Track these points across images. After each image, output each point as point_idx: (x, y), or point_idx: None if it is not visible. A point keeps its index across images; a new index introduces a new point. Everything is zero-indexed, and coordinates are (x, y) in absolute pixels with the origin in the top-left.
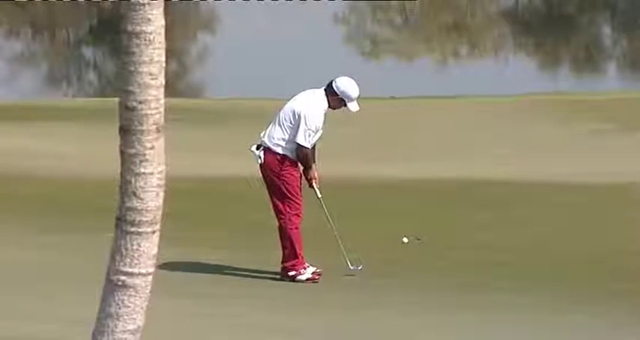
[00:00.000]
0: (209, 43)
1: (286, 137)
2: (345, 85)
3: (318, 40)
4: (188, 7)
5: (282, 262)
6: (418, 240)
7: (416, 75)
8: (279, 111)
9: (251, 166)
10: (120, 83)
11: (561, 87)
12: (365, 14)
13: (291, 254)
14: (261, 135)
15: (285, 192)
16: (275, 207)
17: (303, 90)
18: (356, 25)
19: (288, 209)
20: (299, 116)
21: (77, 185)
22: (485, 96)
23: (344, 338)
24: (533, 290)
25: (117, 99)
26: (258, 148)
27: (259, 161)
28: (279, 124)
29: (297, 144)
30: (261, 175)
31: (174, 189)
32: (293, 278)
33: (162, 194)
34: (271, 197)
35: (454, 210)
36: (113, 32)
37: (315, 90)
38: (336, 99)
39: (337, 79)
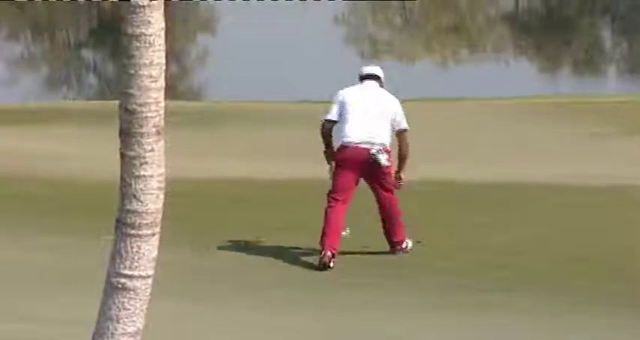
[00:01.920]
0: (209, 45)
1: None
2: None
3: (318, 40)
4: (187, 7)
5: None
6: (418, 242)
7: (416, 76)
8: (361, 111)
9: (251, 168)
10: (120, 86)
11: (562, 90)
12: (365, 15)
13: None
14: (357, 136)
15: (392, 182)
16: (383, 194)
17: (302, 92)
18: (356, 26)
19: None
20: (391, 106)
21: (78, 186)
22: (486, 98)
23: (345, 338)
24: (532, 292)
25: (117, 102)
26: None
27: (386, 164)
28: (375, 119)
29: (404, 129)
30: (355, 175)
31: (175, 191)
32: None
33: (162, 196)
34: (376, 188)
35: (453, 212)
36: (113, 35)
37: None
38: None
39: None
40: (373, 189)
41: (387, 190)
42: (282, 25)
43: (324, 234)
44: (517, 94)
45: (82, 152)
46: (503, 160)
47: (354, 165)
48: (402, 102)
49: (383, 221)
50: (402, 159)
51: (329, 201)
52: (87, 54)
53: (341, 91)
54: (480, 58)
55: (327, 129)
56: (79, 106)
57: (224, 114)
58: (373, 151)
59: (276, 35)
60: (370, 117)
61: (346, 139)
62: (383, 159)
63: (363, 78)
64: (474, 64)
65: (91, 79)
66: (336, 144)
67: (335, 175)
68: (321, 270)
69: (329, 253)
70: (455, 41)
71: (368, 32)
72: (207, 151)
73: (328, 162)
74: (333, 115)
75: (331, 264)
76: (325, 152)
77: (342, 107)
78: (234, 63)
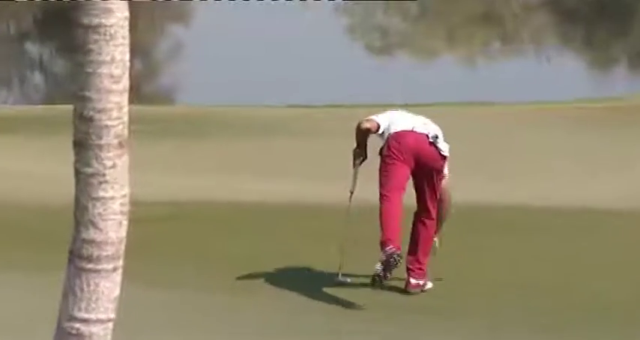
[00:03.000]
0: (182, 38)
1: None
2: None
3: (315, 32)
4: None
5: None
6: (439, 279)
7: (436, 76)
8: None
9: (235, 187)
10: (74, 87)
11: (616, 92)
12: (372, 3)
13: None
14: (415, 126)
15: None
16: (430, 201)
17: (296, 95)
18: (363, 15)
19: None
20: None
21: (21, 211)
22: (523, 102)
23: None
24: (568, 332)
25: (70, 108)
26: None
27: (446, 153)
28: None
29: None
30: (413, 164)
31: (141, 216)
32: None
33: (125, 223)
34: (424, 192)
35: (486, 241)
36: (64, 25)
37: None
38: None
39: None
40: (420, 190)
41: (434, 195)
42: (271, 16)
43: (385, 228)
44: (561, 98)
45: (26, 168)
46: (544, 179)
47: (410, 154)
48: (419, 107)
49: (413, 239)
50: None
51: (381, 198)
52: (31, 49)
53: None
54: (515, 52)
55: (369, 129)
56: (22, 112)
57: (201, 121)
58: (432, 135)
59: (265, 26)
60: (422, 125)
61: (399, 127)
62: (444, 146)
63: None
64: (507, 59)
65: (37, 78)
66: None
67: (386, 171)
68: (387, 269)
69: (392, 247)
70: (484, 32)
71: (377, 22)
72: (181, 166)
73: (356, 161)
74: (379, 120)
75: (398, 259)
76: (357, 150)
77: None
78: (213, 60)
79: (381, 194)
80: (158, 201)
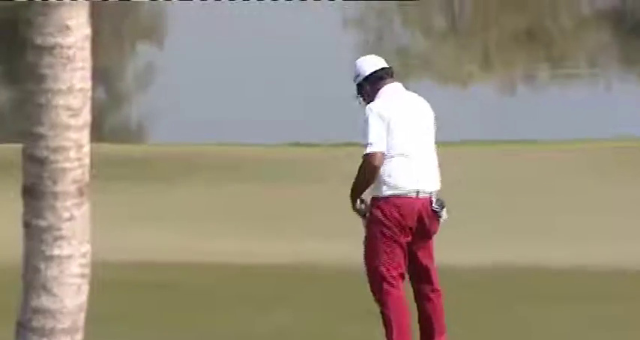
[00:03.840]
0: (154, 60)
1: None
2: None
3: (317, 51)
4: (124, 7)
5: None
6: None
7: (468, 106)
8: (410, 140)
9: (218, 245)
10: (23, 122)
11: None
12: (388, 14)
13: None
14: (414, 181)
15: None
16: (432, 270)
17: (290, 133)
18: (376, 30)
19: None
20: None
21: None
22: (574, 141)
23: None
24: None
25: (17, 147)
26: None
27: (445, 218)
28: (429, 149)
29: None
30: (414, 230)
31: (105, 280)
32: None
33: (85, 288)
34: (423, 261)
35: (525, 311)
36: (11, 46)
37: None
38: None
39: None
40: (418, 260)
41: (433, 261)
42: (265, 28)
43: (397, 332)
44: (624, 132)
45: None
46: (601, 235)
47: (411, 225)
48: (443, 147)
49: (425, 325)
50: None
51: (384, 283)
52: None
53: (378, 106)
54: (565, 78)
55: (378, 166)
56: None
57: (178, 163)
58: (435, 202)
59: (254, 46)
60: (423, 148)
61: (399, 187)
62: (444, 211)
63: (380, 78)
64: (556, 86)
65: None
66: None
67: (389, 247)
68: None
69: None
70: (527, 53)
71: (394, 40)
72: (154, 219)
73: (362, 215)
74: (383, 144)
75: None
76: (360, 206)
77: (390, 134)
78: (191, 87)
79: (382, 277)
80: (126, 261)
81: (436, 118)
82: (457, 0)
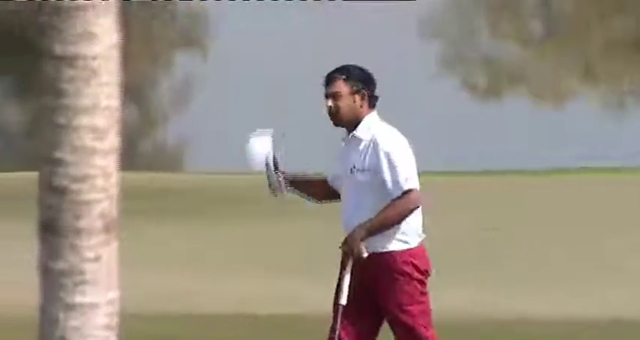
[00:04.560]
0: (193, 74)
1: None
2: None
3: (390, 66)
4: (157, 10)
5: None
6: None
7: (569, 128)
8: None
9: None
10: (39, 146)
11: None
12: (474, 20)
13: None
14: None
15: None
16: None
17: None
18: (459, 40)
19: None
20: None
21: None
22: None
23: None
24: None
25: (32, 175)
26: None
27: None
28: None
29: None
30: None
31: (136, 334)
32: None
33: None
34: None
35: None
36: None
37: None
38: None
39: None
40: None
41: None
42: (327, 34)
43: None
44: None
45: None
46: None
47: None
48: (537, 176)
49: None
50: None
51: None
52: None
53: (401, 136)
54: None
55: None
56: None
57: (216, 195)
58: None
59: (315, 53)
60: None
61: (422, 235)
62: None
63: (377, 100)
64: None
65: None
66: (405, 241)
67: (426, 303)
68: None
69: None
70: (637, 62)
71: (481, 49)
72: (194, 260)
73: (358, 257)
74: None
75: None
76: (358, 249)
77: None
78: (238, 105)
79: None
80: (162, 312)
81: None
82: (555, 1)
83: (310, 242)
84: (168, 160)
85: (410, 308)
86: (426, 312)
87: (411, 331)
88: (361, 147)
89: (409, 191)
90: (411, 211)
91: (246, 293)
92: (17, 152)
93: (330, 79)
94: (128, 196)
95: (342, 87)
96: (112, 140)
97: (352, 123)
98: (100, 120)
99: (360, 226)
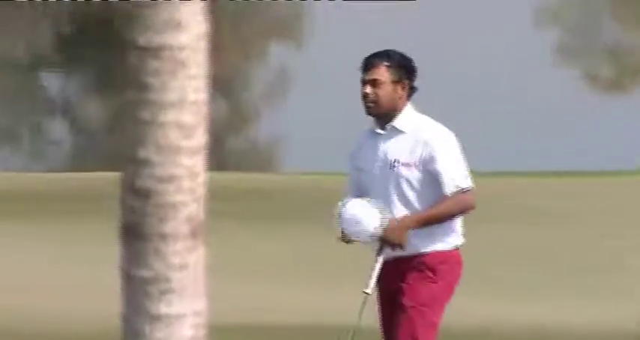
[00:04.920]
0: (288, 66)
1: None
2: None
3: (503, 56)
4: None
5: None
6: None
7: None
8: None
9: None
10: (121, 145)
11: None
12: (594, 4)
13: None
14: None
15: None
16: None
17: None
18: (577, 27)
19: None
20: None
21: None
22: None
23: None
24: None
25: (112, 175)
26: None
27: None
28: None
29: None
30: None
31: None
32: None
33: None
34: None
35: None
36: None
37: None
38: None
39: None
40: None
41: None
42: (436, 23)
43: None
44: None
45: (32, 271)
46: None
47: None
48: None
49: None
50: None
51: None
52: (49, 82)
53: (452, 133)
54: None
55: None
56: (31, 182)
57: (311, 196)
58: None
59: (418, 47)
60: None
61: (461, 235)
62: None
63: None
64: None
65: (57, 129)
66: (446, 241)
67: (448, 300)
68: None
69: None
70: None
71: (604, 37)
72: (282, 267)
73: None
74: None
75: None
76: (400, 240)
77: None
78: (336, 100)
79: (433, 324)
80: (248, 323)
81: None
82: None
83: None
84: (259, 159)
85: (426, 309)
86: (435, 326)
87: (412, 334)
88: (404, 140)
89: (466, 190)
90: (466, 211)
91: (336, 303)
92: (99, 150)
93: (370, 64)
94: (216, 198)
95: (384, 74)
96: (200, 137)
97: (388, 115)
98: (186, 116)
99: (409, 216)
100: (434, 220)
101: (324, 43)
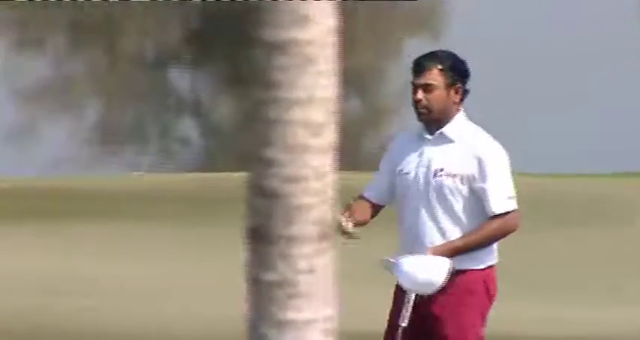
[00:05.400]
0: None
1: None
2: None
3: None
4: None
5: None
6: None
7: None
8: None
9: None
10: (248, 144)
11: None
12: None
13: None
14: None
15: None
16: None
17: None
18: None
19: None
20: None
21: None
22: None
23: None
24: None
25: (239, 176)
26: None
27: None
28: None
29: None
30: None
31: None
32: None
33: None
34: None
35: None
36: (232, 44)
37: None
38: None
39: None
40: None
41: None
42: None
43: None
44: None
45: (160, 275)
46: None
47: None
48: None
49: None
50: None
51: None
52: (176, 79)
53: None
54: None
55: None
56: (159, 182)
57: None
58: None
59: (547, 35)
60: None
61: (497, 256)
62: None
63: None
64: None
65: (186, 128)
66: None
67: (483, 330)
68: None
69: None
70: None
71: None
72: None
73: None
74: None
75: None
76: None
77: None
78: (479, 97)
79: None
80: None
81: None
82: None
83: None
84: None
85: (467, 333)
86: (482, 327)
87: None
88: (452, 149)
89: (511, 211)
90: (509, 233)
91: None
92: (229, 150)
93: (422, 67)
94: (347, 200)
95: (437, 77)
96: (329, 136)
97: (440, 120)
98: (315, 114)
99: (446, 246)
100: (477, 245)
101: (461, 36)
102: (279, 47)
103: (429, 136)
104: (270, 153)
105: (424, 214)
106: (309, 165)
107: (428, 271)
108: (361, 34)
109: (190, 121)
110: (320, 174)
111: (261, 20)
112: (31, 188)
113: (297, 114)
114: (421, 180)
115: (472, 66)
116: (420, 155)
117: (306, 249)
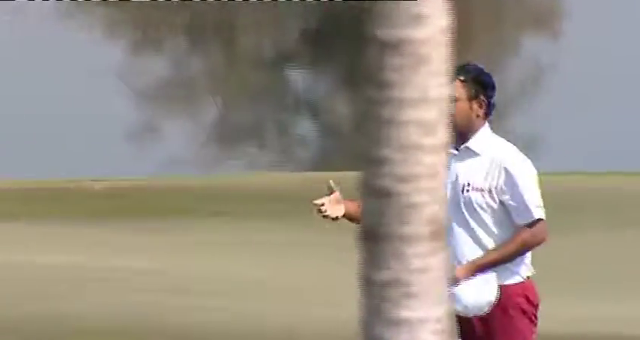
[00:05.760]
0: (542, 59)
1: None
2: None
3: None
4: None
5: None
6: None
7: None
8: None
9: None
10: (361, 143)
11: None
12: None
13: None
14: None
15: None
16: None
17: None
18: None
19: None
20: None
21: None
22: None
23: None
24: None
25: (354, 175)
26: None
27: None
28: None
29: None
30: None
31: None
32: None
33: None
34: None
35: None
36: (348, 43)
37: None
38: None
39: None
40: None
41: None
42: None
43: None
44: None
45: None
46: None
47: None
48: None
49: None
50: None
51: None
52: (296, 81)
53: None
54: None
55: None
56: (278, 183)
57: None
58: None
59: None
60: None
61: (532, 267)
62: None
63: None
64: None
65: (304, 127)
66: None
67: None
68: None
69: None
70: None
71: None
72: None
73: None
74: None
75: None
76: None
77: None
78: (595, 96)
79: None
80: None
81: None
82: None
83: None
84: None
85: None
86: None
87: None
88: (478, 163)
89: (539, 221)
90: (538, 244)
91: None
92: (346, 149)
93: None
94: None
95: (459, 89)
96: (442, 136)
97: (465, 134)
98: (428, 114)
99: (481, 261)
100: (509, 258)
101: (582, 34)
102: (393, 47)
103: (455, 151)
104: (383, 152)
105: (458, 230)
106: (422, 164)
107: (478, 292)
108: (479, 33)
109: (307, 121)
110: (432, 173)
111: (375, 20)
112: (149, 187)
113: (410, 113)
114: (450, 197)
115: (597, 66)
116: (448, 171)
117: (420, 248)
